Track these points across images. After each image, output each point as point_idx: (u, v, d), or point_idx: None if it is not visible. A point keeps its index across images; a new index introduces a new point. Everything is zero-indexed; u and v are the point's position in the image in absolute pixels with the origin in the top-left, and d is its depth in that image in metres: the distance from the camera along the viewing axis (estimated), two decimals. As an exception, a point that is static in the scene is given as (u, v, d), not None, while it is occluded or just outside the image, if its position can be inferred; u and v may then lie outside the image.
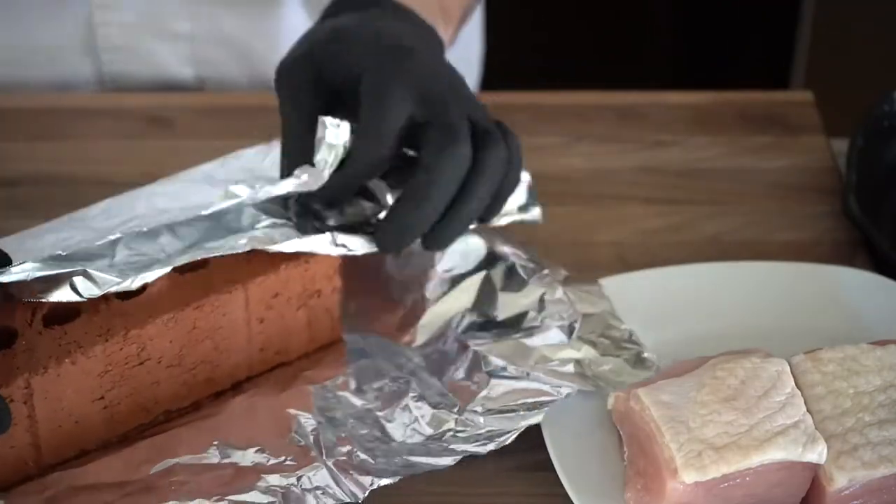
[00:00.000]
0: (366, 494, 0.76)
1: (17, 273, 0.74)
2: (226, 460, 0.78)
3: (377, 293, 0.88)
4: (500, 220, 0.87)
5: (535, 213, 0.88)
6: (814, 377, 0.79)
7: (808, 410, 0.77)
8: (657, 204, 1.03)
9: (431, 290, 0.87)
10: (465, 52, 1.27)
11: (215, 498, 0.75)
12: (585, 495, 0.77)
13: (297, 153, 0.82)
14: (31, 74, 1.14)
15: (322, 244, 0.82)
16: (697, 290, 0.91)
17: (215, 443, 0.79)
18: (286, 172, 0.82)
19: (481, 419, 0.80)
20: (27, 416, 0.76)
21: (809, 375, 0.79)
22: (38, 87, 1.14)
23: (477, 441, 0.79)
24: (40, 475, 0.78)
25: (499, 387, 0.81)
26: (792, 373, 0.79)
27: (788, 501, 0.77)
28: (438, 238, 0.82)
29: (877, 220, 0.96)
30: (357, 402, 0.82)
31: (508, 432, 0.79)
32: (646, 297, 0.90)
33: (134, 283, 0.76)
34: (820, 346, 0.82)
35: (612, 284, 0.89)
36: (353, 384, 0.83)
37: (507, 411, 0.80)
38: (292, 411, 0.81)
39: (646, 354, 0.83)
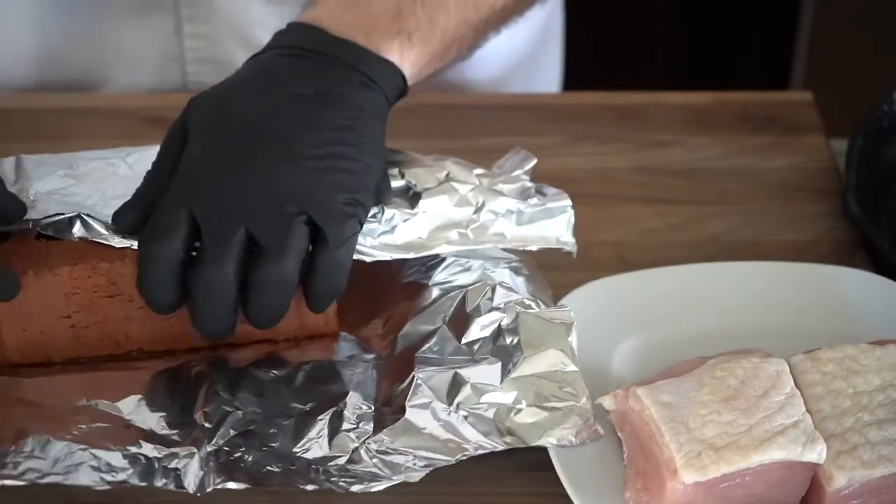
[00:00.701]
0: (201, 492, 0.75)
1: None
2: (129, 415, 0.78)
3: (376, 296, 0.87)
4: (530, 246, 0.86)
5: (570, 245, 0.87)
6: (813, 377, 0.79)
7: (808, 410, 0.77)
8: (657, 204, 1.03)
9: (420, 301, 0.84)
10: (546, 50, 1.27)
11: (82, 447, 0.76)
12: (585, 495, 0.77)
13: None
14: (117, 80, 1.14)
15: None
16: (697, 290, 0.91)
17: (138, 396, 0.79)
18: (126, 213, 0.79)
19: (368, 458, 0.77)
20: None
21: (809, 375, 0.79)
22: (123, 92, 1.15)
23: (347, 477, 0.76)
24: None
25: (405, 429, 0.78)
26: (791, 373, 0.79)
27: (788, 501, 0.77)
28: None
29: (876, 220, 0.96)
30: (290, 399, 0.80)
31: (380, 480, 0.76)
32: (646, 297, 0.90)
33: (119, 243, 0.78)
34: (819, 346, 0.82)
35: (612, 284, 0.90)
36: (300, 380, 0.82)
37: (397, 456, 0.77)
38: (220, 389, 0.80)
39: (575, 413, 0.78)
